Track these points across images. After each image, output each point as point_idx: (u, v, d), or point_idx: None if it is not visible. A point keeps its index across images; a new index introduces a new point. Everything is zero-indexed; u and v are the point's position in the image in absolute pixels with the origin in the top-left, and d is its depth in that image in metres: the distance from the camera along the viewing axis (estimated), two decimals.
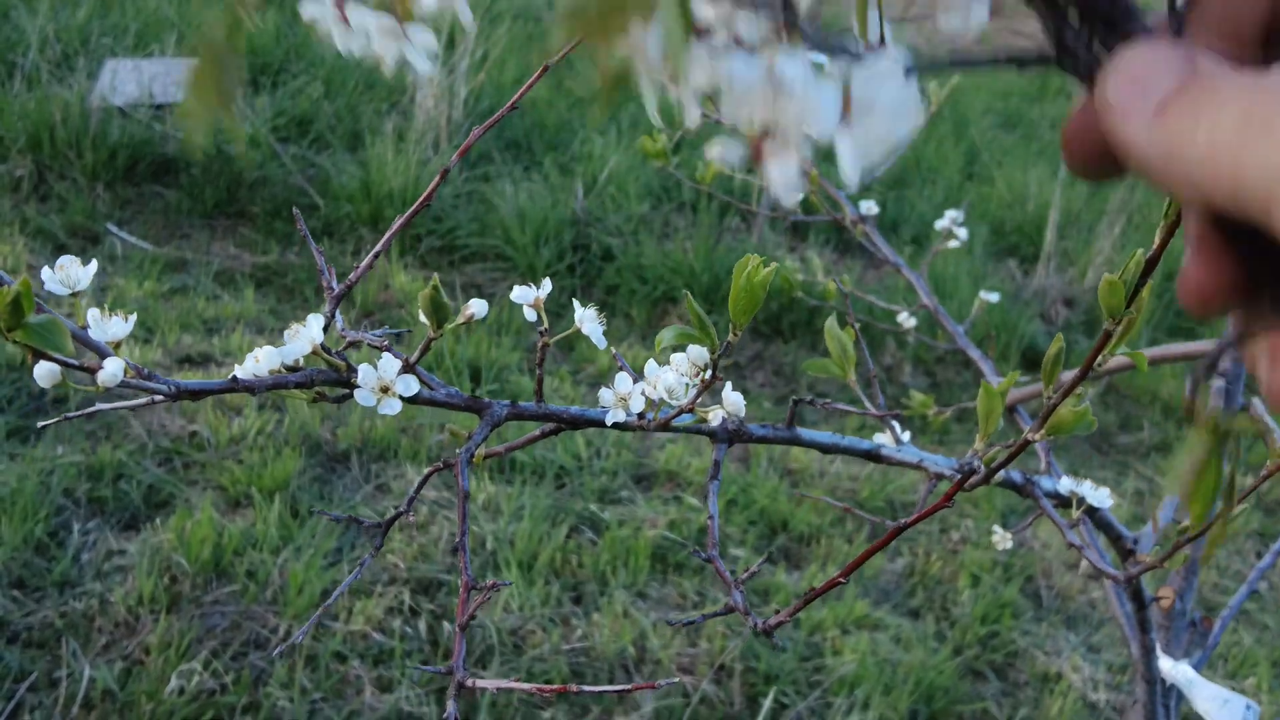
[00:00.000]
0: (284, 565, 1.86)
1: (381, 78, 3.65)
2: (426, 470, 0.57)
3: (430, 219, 3.07)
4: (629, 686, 0.43)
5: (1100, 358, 0.45)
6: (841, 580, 0.45)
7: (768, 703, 1.76)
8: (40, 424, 0.44)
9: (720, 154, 0.25)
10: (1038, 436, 0.47)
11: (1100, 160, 0.27)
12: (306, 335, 0.44)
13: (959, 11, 0.28)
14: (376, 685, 1.69)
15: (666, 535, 2.12)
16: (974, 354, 1.07)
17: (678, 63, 0.24)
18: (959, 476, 0.51)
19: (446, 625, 1.82)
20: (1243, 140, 0.22)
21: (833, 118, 0.24)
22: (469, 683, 0.43)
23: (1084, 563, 2.20)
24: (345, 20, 0.31)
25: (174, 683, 1.62)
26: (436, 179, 0.50)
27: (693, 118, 0.26)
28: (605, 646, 1.83)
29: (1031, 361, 3.06)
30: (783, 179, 0.24)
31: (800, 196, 0.26)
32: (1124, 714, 1.95)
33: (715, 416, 0.56)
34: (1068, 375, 0.71)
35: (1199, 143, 0.23)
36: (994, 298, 1.36)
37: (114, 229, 2.83)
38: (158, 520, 1.93)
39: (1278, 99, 0.22)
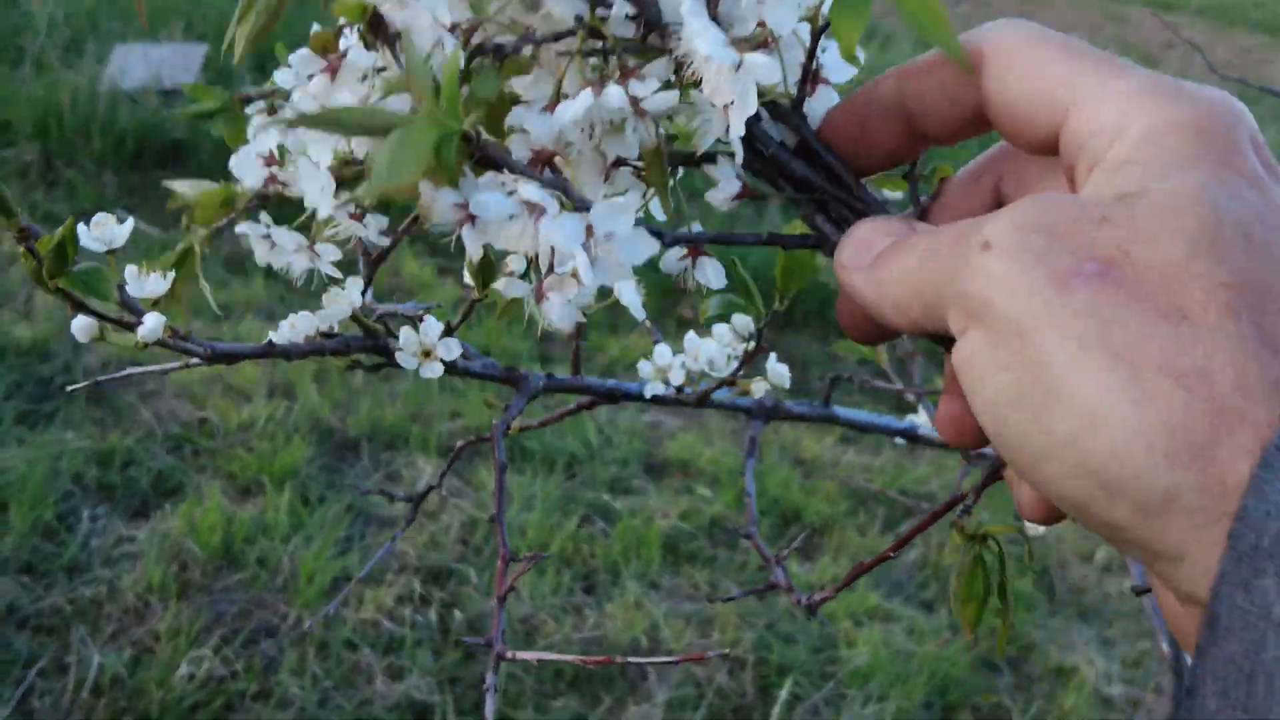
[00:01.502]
0: (294, 553, 1.85)
1: None
2: (458, 444, 0.56)
3: None
4: (675, 659, 0.42)
5: None
6: (891, 555, 0.43)
7: (783, 693, 1.75)
8: (70, 388, 0.43)
9: (504, 289, 0.30)
10: None
11: (864, 325, 0.34)
12: (346, 298, 0.42)
13: (720, 189, 0.32)
14: (387, 673, 1.68)
15: (678, 525, 2.10)
16: None
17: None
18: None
19: (457, 613, 1.80)
20: (921, 267, 0.28)
21: (574, 244, 0.28)
22: (509, 655, 0.42)
23: (1098, 555, 2.15)
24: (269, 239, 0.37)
25: (184, 669, 1.61)
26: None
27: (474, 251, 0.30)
28: (617, 636, 1.81)
29: None
30: (560, 312, 0.30)
31: (574, 324, 0.30)
32: (1140, 706, 1.94)
33: (758, 389, 0.54)
34: None
35: (894, 279, 0.29)
36: None
37: (122, 215, 2.81)
38: (167, 507, 1.91)
39: (948, 237, 0.28)
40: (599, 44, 0.29)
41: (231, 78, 3.36)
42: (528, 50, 0.29)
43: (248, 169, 0.35)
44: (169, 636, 1.65)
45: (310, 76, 0.31)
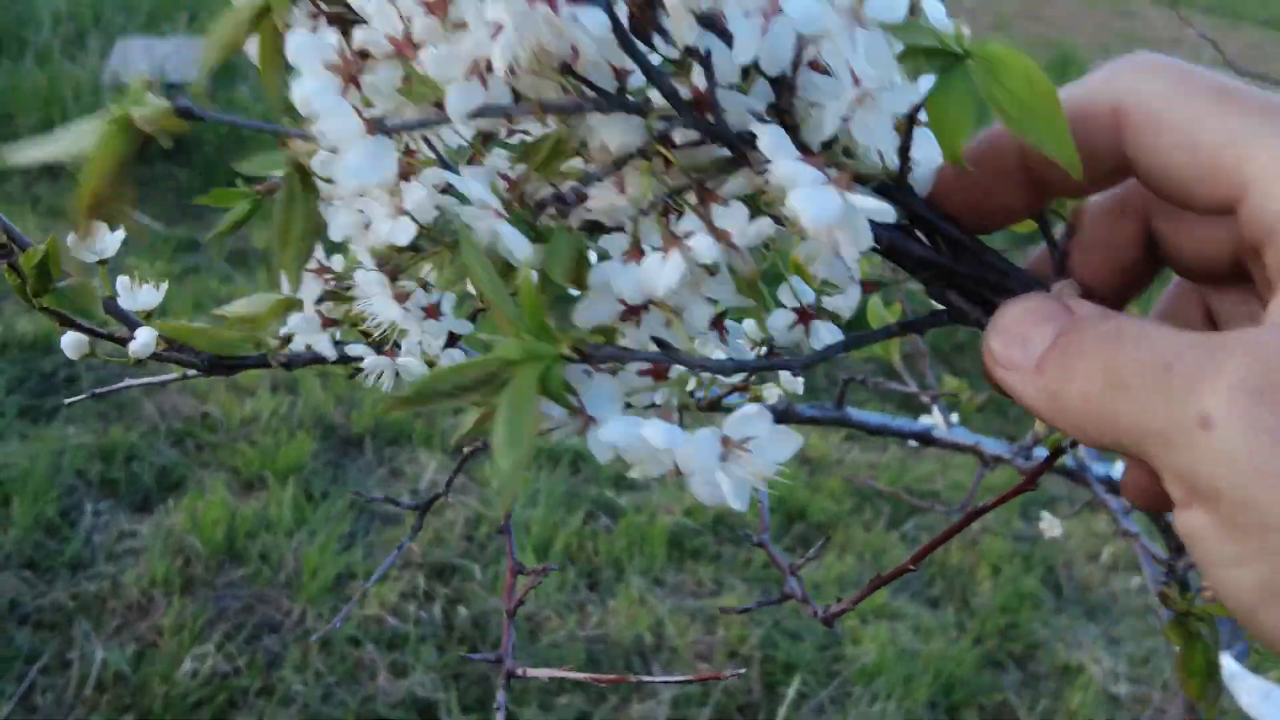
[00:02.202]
0: (298, 549, 1.84)
1: None
2: (467, 449, 0.55)
3: None
4: (693, 677, 0.41)
5: None
6: (911, 567, 0.42)
7: (791, 691, 1.74)
8: (67, 400, 0.42)
9: (641, 474, 0.28)
10: None
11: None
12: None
13: (842, 298, 0.30)
14: (391, 670, 1.68)
15: (682, 522, 2.09)
16: None
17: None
18: (1030, 458, 0.48)
19: (461, 610, 1.80)
20: (1110, 398, 0.25)
21: (710, 464, 0.26)
22: (520, 672, 0.41)
23: (1105, 554, 2.15)
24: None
25: (187, 665, 1.60)
26: None
27: (604, 458, 0.28)
28: (621, 633, 1.81)
29: None
30: (704, 491, 0.27)
31: (720, 500, 0.28)
32: (1147, 705, 1.93)
33: (770, 395, 0.53)
34: None
35: (1074, 398, 0.25)
36: None
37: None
38: (170, 502, 1.91)
39: (1131, 355, 0.24)
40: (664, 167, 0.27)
41: (235, 72, 3.35)
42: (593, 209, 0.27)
43: (308, 288, 0.33)
44: (172, 632, 1.64)
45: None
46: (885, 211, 0.24)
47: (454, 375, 0.25)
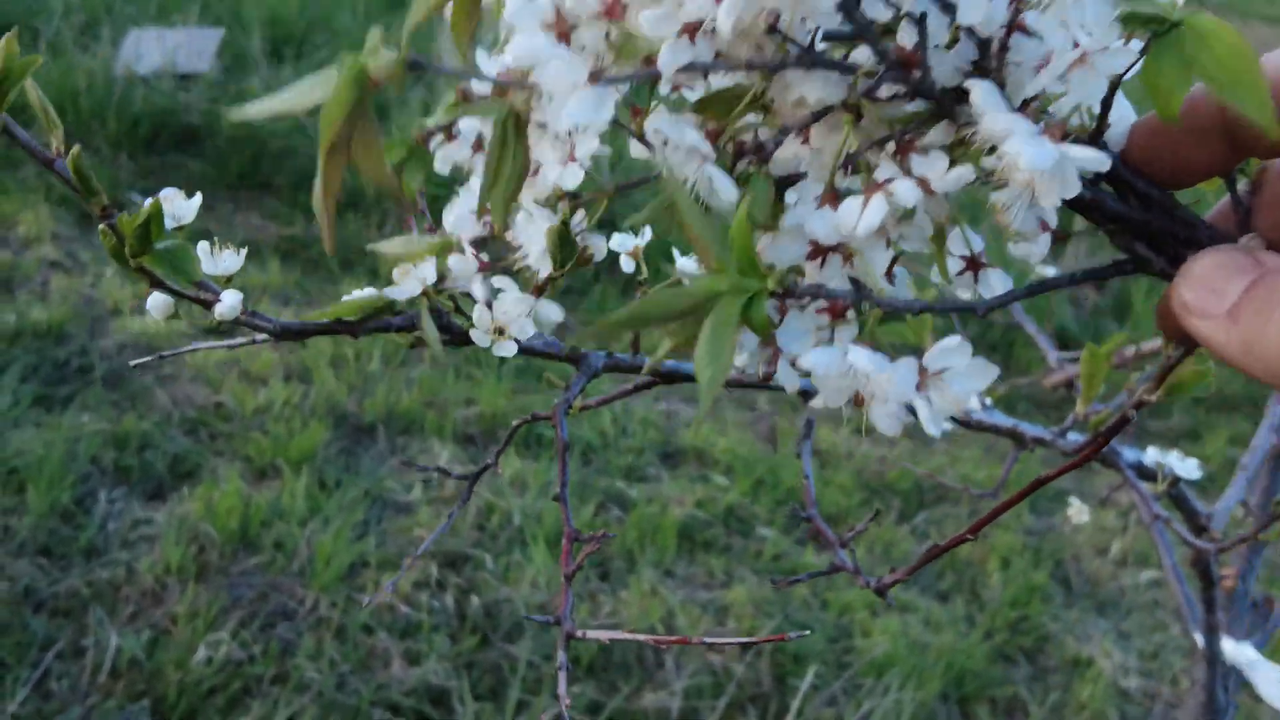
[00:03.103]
0: (311, 537, 1.85)
1: None
2: (514, 422, 0.56)
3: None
4: (754, 639, 0.42)
5: None
6: (970, 537, 0.42)
7: (805, 684, 1.74)
8: (133, 363, 0.42)
9: (820, 404, 0.30)
10: (1154, 397, 0.45)
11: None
12: (418, 275, 0.42)
13: (1029, 245, 0.31)
14: (405, 658, 1.68)
15: (693, 513, 2.10)
16: (1031, 329, 1.04)
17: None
18: (1087, 439, 0.48)
19: (474, 599, 1.80)
20: None
21: (909, 391, 0.28)
22: (580, 634, 0.42)
23: (1114, 548, 2.14)
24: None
25: (201, 653, 1.61)
26: None
27: (792, 388, 0.31)
28: (633, 624, 1.81)
29: (1062, 343, 3.03)
30: (885, 421, 0.28)
31: (899, 429, 0.29)
32: (1157, 699, 1.93)
33: None
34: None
35: (1269, 345, 0.27)
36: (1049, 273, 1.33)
37: (138, 198, 2.81)
38: (184, 490, 1.91)
39: None
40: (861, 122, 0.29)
41: (246, 63, 3.36)
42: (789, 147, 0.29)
43: (464, 224, 0.35)
44: (186, 619, 1.65)
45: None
46: (1099, 160, 0.26)
47: (666, 301, 0.27)
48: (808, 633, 0.45)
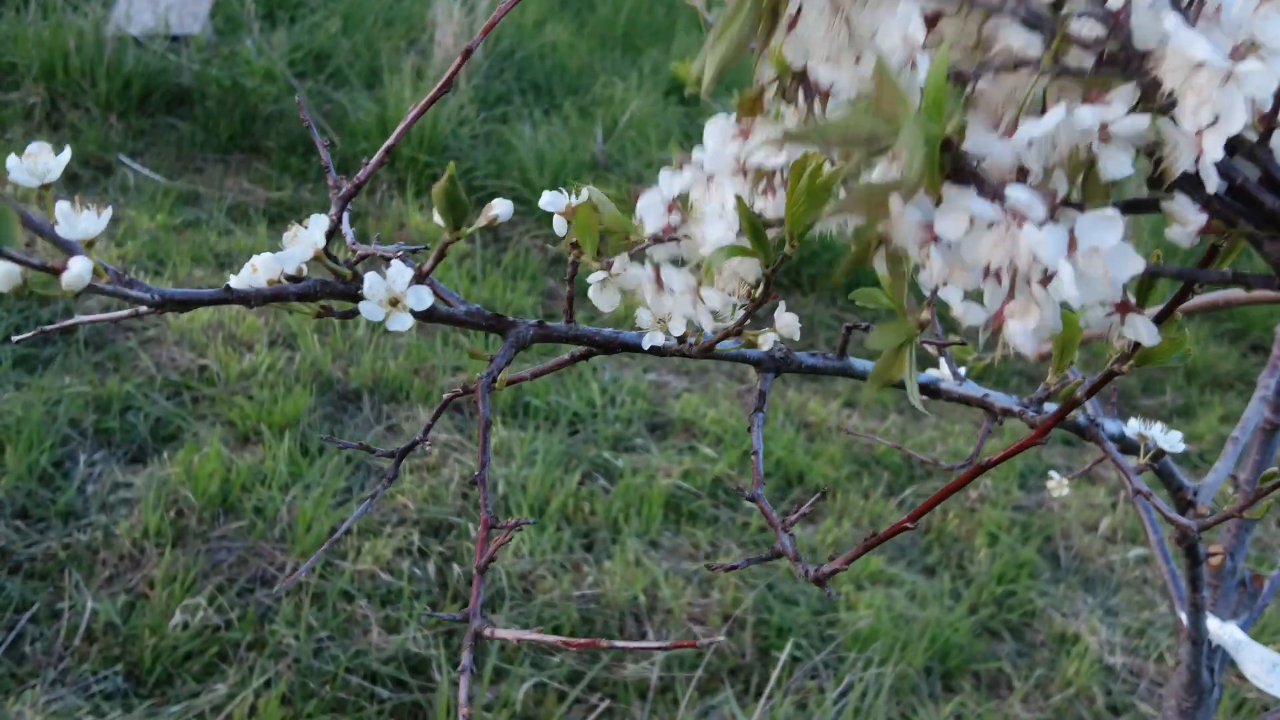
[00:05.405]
0: (292, 502, 1.83)
1: (400, 14, 3.58)
2: (445, 396, 0.53)
3: (447, 158, 3.01)
4: (669, 644, 0.39)
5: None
6: (909, 526, 0.40)
7: (784, 655, 1.73)
8: (14, 338, 0.39)
9: (963, 314, 0.29)
10: (1125, 368, 0.43)
11: None
12: (307, 238, 0.39)
13: (1184, 225, 0.30)
14: (384, 625, 1.67)
15: (680, 485, 2.08)
16: None
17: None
18: (1041, 412, 0.46)
19: (456, 567, 1.79)
20: None
21: (1059, 253, 0.26)
22: (486, 633, 0.39)
23: (1103, 525, 2.13)
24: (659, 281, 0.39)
25: (178, 617, 1.60)
26: (458, 60, 0.45)
27: (958, 309, 0.30)
28: (616, 594, 1.80)
29: None
30: (1023, 335, 0.27)
31: (1040, 349, 0.28)
32: (1142, 676, 1.92)
33: (766, 340, 0.51)
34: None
35: None
36: None
37: (126, 160, 2.78)
38: (165, 453, 1.90)
39: None
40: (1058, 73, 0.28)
41: (239, 26, 3.31)
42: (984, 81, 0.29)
43: (652, 212, 0.35)
44: (164, 584, 1.64)
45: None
46: (1268, 78, 0.26)
47: (846, 123, 0.27)
48: (721, 639, 0.43)
